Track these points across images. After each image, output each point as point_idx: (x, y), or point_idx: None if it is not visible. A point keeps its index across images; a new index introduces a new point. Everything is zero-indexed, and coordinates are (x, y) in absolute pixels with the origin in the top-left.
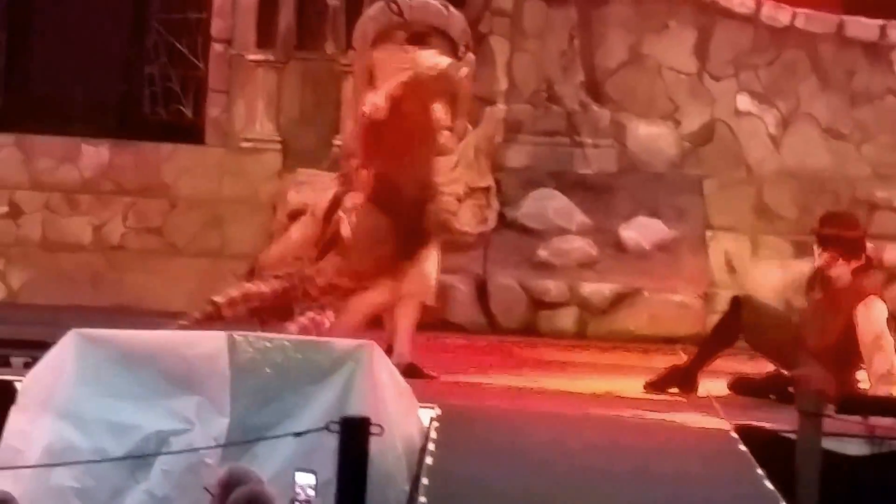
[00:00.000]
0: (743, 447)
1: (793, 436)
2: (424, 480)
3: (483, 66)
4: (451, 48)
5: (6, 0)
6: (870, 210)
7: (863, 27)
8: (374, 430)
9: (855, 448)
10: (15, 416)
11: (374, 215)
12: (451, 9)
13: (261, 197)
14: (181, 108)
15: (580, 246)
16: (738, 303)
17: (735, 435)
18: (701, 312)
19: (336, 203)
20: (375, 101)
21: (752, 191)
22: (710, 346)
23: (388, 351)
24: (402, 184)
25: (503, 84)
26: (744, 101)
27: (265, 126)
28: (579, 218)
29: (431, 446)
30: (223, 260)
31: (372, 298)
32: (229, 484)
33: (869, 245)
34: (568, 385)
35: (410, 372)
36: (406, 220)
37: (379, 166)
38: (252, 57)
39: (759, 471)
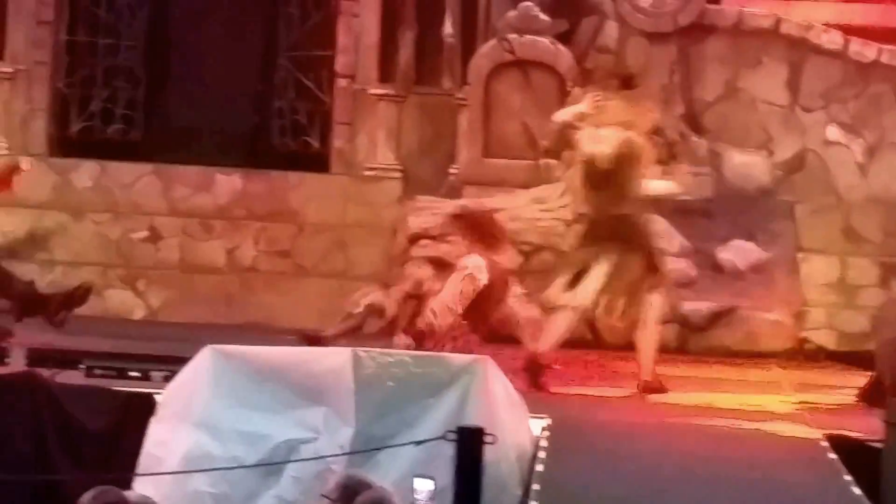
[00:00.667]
0: (832, 455)
1: (880, 445)
2: (535, 486)
3: None
4: (559, 83)
5: (146, 40)
6: None
7: None
8: (488, 438)
9: None
10: (155, 427)
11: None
12: (559, 46)
13: (382, 222)
14: (308, 139)
15: (681, 267)
16: None
17: (825, 444)
18: (793, 329)
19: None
20: (605, 151)
21: (840, 216)
22: None
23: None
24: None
25: None
26: (833, 132)
27: (386, 155)
28: (680, 241)
29: (542, 454)
30: (348, 280)
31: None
32: (347, 489)
33: None
34: (669, 397)
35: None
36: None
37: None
38: (374, 91)
39: (847, 477)
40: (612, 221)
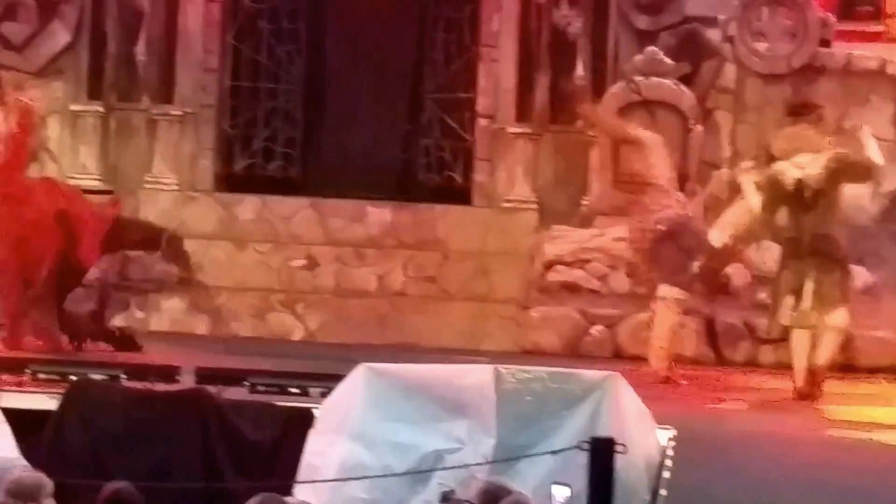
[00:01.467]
0: None
1: None
2: (663, 492)
3: (710, 135)
4: (682, 120)
5: (303, 84)
6: None
7: None
8: (618, 448)
9: None
10: (314, 438)
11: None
12: (682, 87)
13: (520, 249)
14: (452, 174)
15: None
16: None
17: None
18: None
19: None
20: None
21: None
22: None
23: None
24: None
25: (727, 151)
26: None
27: (523, 189)
28: None
29: (669, 463)
30: (489, 304)
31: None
32: (489, 494)
33: None
34: (787, 408)
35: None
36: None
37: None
38: (512, 130)
39: None
40: (812, 240)
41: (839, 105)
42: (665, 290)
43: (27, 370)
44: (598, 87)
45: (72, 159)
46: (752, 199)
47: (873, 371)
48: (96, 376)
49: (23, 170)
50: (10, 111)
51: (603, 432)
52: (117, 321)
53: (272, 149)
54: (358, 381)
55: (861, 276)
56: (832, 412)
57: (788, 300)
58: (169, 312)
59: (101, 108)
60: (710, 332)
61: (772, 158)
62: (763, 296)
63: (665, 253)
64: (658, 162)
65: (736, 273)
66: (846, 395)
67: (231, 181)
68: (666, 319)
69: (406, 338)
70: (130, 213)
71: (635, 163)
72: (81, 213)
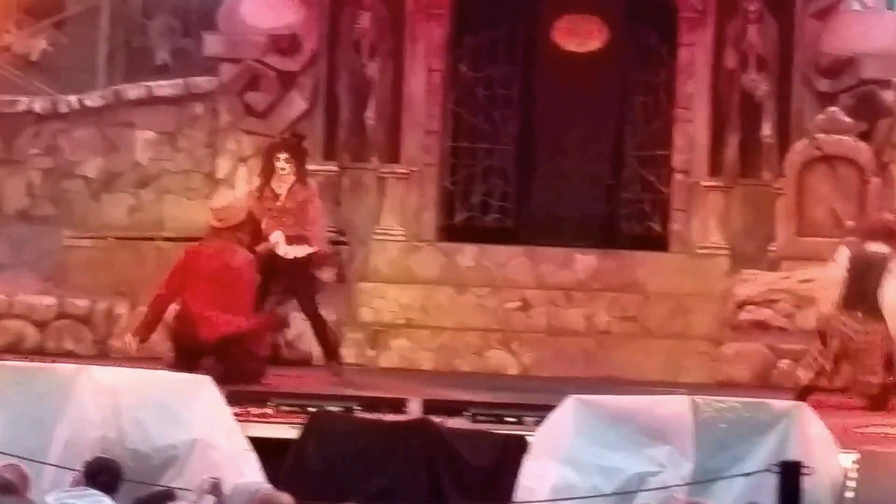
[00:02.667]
0: None
1: None
2: None
3: (885, 187)
4: (860, 173)
5: (516, 144)
6: None
7: None
8: (805, 471)
9: None
10: (528, 463)
11: None
12: (860, 143)
13: (714, 291)
14: (651, 224)
15: None
16: None
17: None
18: None
19: None
20: None
21: None
22: None
23: None
24: None
25: None
26: None
27: (716, 236)
28: None
29: (852, 484)
30: (686, 340)
31: None
32: None
33: None
34: None
35: None
36: None
37: None
38: (705, 183)
39: None
40: None
41: None
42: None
43: (271, 403)
44: (783, 144)
45: None
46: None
47: None
48: (333, 408)
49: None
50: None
51: (791, 456)
52: (351, 358)
53: (489, 202)
54: (568, 411)
55: None
56: None
57: None
58: (397, 350)
59: (335, 168)
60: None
61: None
62: None
63: None
64: None
65: None
66: None
67: (452, 232)
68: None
69: (611, 372)
70: (362, 261)
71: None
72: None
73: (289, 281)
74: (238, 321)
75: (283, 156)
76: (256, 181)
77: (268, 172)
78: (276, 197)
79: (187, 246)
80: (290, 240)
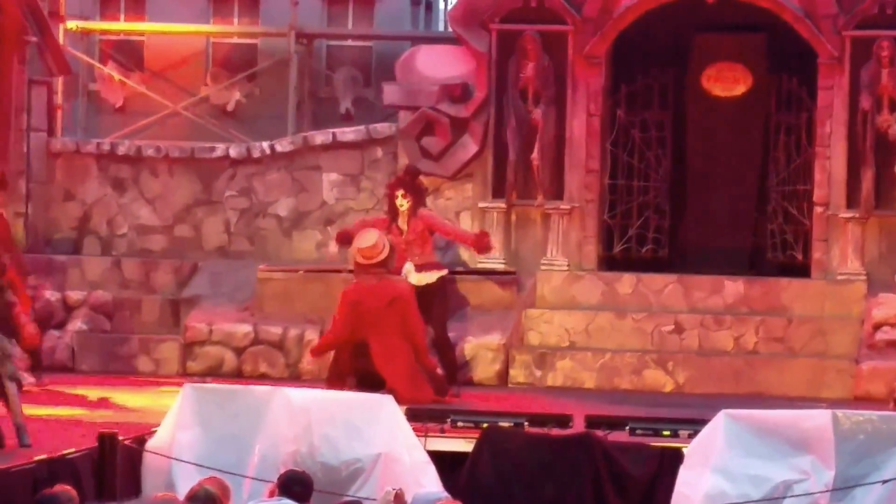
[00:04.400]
0: None
1: None
2: None
3: None
4: None
5: (669, 181)
6: None
7: None
8: None
9: None
10: (684, 473)
11: None
12: None
13: (852, 314)
14: (794, 253)
15: None
16: None
17: None
18: None
19: None
20: None
21: None
22: None
23: None
24: None
25: None
26: None
27: (854, 264)
28: None
29: None
30: (827, 359)
31: None
32: None
33: None
34: None
35: None
36: None
37: None
38: (843, 215)
39: None
40: None
41: None
42: None
43: (448, 419)
44: None
45: None
46: None
47: None
48: (504, 423)
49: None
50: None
51: None
52: (520, 378)
53: (644, 234)
54: (719, 425)
55: None
56: None
57: None
58: (562, 370)
59: (503, 205)
60: None
61: None
62: None
63: None
64: None
65: None
66: None
67: (611, 262)
68: None
69: (758, 388)
70: (529, 290)
71: None
72: None
73: (423, 307)
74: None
75: (399, 192)
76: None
77: (393, 210)
78: (402, 232)
79: (344, 288)
80: (419, 268)
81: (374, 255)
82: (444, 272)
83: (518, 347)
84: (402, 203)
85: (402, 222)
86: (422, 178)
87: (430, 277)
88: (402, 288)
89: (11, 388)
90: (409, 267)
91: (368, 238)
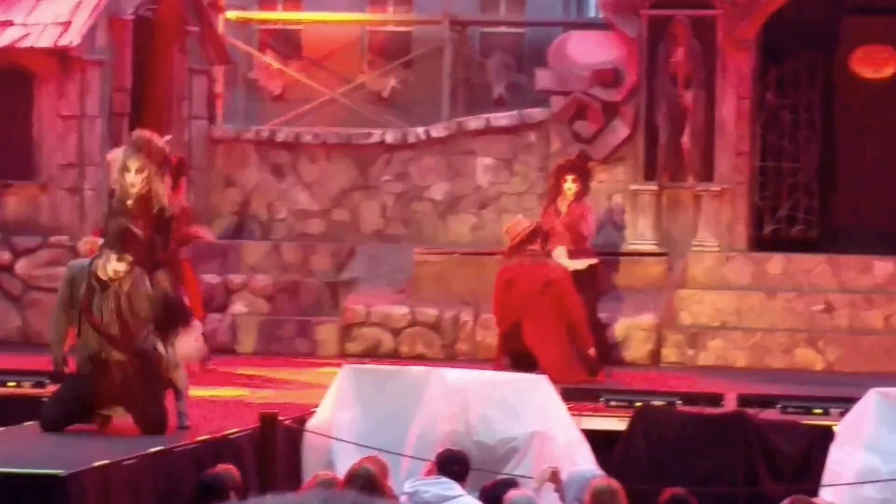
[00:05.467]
0: None
1: None
2: None
3: None
4: None
5: (818, 163)
6: None
7: None
8: None
9: None
10: (834, 450)
11: None
12: None
13: None
14: None
15: None
16: None
17: None
18: None
19: None
20: None
21: None
22: None
23: None
24: None
25: None
26: None
27: None
28: None
29: None
30: None
31: None
32: None
33: None
34: None
35: None
36: None
37: None
38: None
39: None
40: None
41: None
42: None
43: (601, 399)
44: None
45: (632, 229)
46: None
47: None
48: (657, 402)
49: None
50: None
51: None
52: (672, 357)
53: (794, 216)
54: (870, 403)
55: None
56: None
57: None
58: (714, 350)
59: (654, 187)
60: None
61: None
62: None
63: None
64: None
65: None
66: None
67: (761, 242)
68: None
69: None
70: (681, 271)
71: None
72: None
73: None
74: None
75: (570, 176)
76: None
77: (555, 192)
78: (559, 214)
79: (500, 269)
80: (572, 254)
81: (515, 233)
82: (595, 261)
83: (670, 327)
84: (571, 187)
85: (562, 205)
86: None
87: (580, 265)
88: (557, 271)
89: (180, 373)
90: (560, 251)
91: (512, 220)
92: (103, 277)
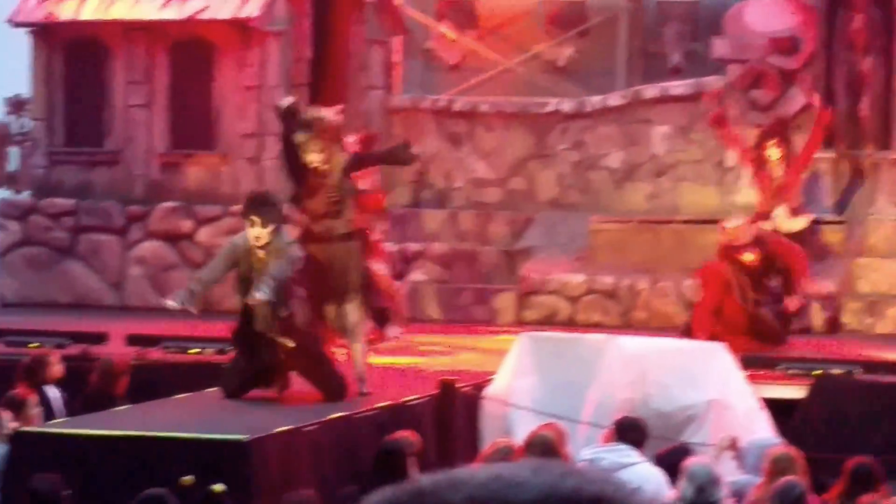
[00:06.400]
0: None
1: None
2: None
3: None
4: None
5: None
6: None
7: None
8: None
9: None
10: None
11: None
12: None
13: None
14: None
15: None
16: None
17: None
18: None
19: None
20: None
21: None
22: None
23: None
24: None
25: None
26: None
27: None
28: None
29: None
30: None
31: None
32: None
33: None
34: None
35: None
36: None
37: None
38: None
39: None
40: None
41: None
42: None
43: (779, 367)
44: None
45: (810, 197)
46: None
47: None
48: (836, 371)
49: None
50: None
51: None
52: (852, 325)
53: None
54: None
55: None
56: None
57: None
58: (893, 318)
59: (833, 155)
60: None
61: None
62: None
63: None
64: None
65: None
66: None
67: None
68: None
69: None
70: (859, 239)
71: None
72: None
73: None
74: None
75: (772, 142)
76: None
77: (760, 161)
78: (772, 178)
79: (705, 265)
80: (794, 212)
81: (735, 237)
82: (813, 216)
83: (848, 295)
84: (775, 152)
85: (773, 170)
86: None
87: (801, 223)
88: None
89: (358, 339)
90: (780, 211)
91: (736, 221)
92: (251, 243)
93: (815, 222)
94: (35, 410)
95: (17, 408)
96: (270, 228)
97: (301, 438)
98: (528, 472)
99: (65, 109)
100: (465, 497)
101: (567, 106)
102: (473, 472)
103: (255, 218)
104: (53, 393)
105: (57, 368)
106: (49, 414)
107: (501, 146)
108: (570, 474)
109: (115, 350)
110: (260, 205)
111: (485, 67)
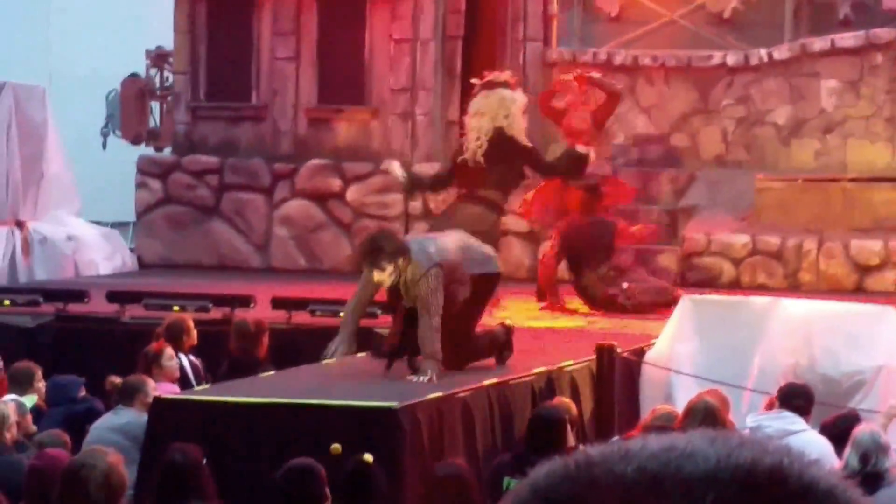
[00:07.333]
0: None
1: None
2: None
3: None
4: None
5: None
6: None
7: None
8: None
9: None
10: None
11: None
12: None
13: None
14: None
15: None
16: None
17: None
18: None
19: None
20: None
21: None
22: None
23: None
24: None
25: None
26: None
27: None
28: None
29: None
30: None
31: None
32: None
33: None
34: None
35: None
36: None
37: None
38: None
39: None
40: None
41: None
42: None
43: None
44: None
45: None
46: None
47: None
48: None
49: None
50: None
51: None
52: None
53: None
54: None
55: None
56: None
57: None
58: None
59: None
60: None
61: None
62: None
63: None
64: None
65: None
66: None
67: None
68: None
69: None
70: None
71: None
72: None
73: None
74: None
75: None
76: None
77: None
78: None
79: None
80: None
81: None
82: None
83: None
84: None
85: None
86: None
87: None
88: None
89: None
90: None
91: None
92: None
93: None
94: (172, 362)
95: (153, 360)
96: (389, 270)
97: (453, 405)
98: (703, 441)
99: (208, 62)
100: (637, 468)
101: (732, 59)
102: (644, 441)
103: (367, 268)
104: (189, 361)
105: (193, 335)
106: (185, 383)
107: (663, 101)
108: (746, 444)
109: (261, 314)
110: (367, 254)
111: (647, 19)
